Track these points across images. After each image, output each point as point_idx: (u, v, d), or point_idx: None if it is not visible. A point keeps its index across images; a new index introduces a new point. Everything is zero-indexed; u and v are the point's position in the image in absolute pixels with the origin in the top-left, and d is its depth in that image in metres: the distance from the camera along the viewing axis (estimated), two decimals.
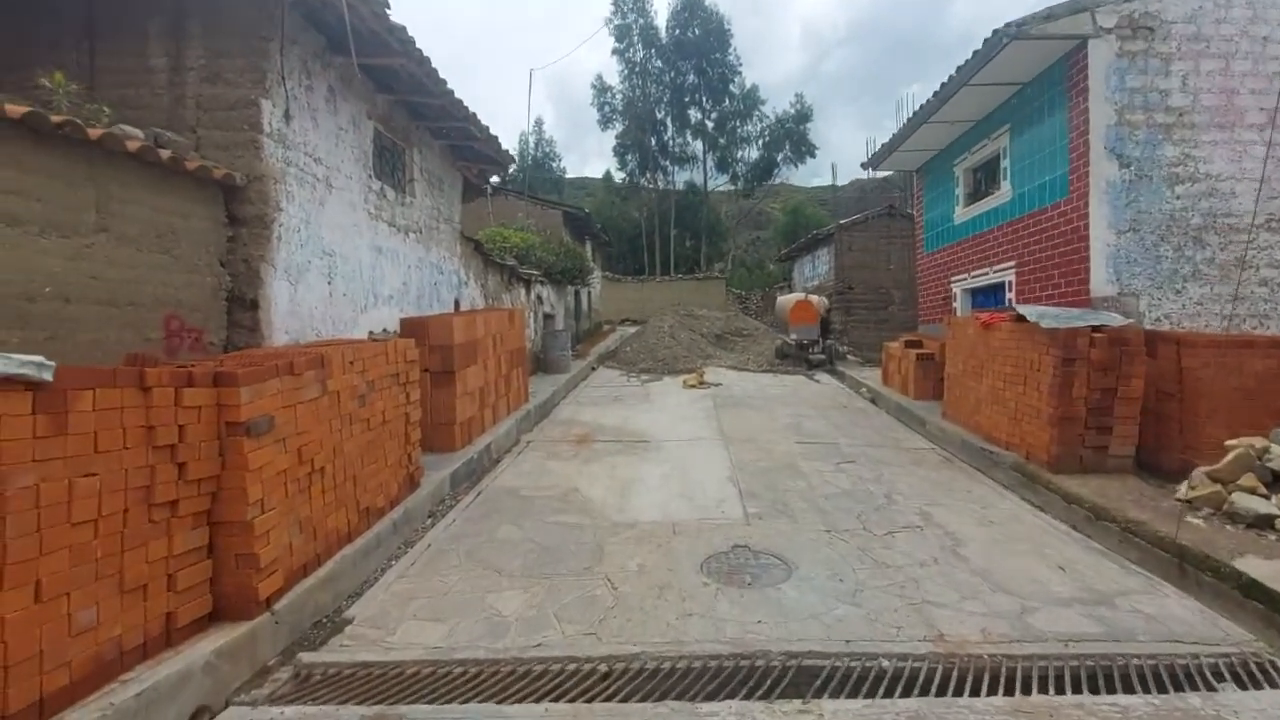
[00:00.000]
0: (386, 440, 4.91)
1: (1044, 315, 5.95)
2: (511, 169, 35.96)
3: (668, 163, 37.86)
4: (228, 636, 3.15)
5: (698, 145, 37.79)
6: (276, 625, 3.43)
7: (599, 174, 46.41)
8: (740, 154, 37.43)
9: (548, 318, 14.49)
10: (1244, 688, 2.93)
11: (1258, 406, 5.55)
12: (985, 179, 9.85)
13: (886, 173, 16.83)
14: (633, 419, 9.11)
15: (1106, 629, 3.43)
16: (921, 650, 3.21)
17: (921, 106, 9.28)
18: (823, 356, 14.38)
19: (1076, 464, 5.74)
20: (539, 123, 46.21)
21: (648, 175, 37.46)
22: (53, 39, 5.02)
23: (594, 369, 14.54)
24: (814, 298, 15.58)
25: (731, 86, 36.35)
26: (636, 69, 35.92)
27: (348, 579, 4.07)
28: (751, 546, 4.53)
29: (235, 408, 3.30)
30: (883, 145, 11.35)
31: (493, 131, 8.35)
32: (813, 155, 36.81)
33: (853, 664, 3.12)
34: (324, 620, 3.71)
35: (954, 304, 10.62)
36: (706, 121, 37.06)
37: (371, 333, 6.37)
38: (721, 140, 37.04)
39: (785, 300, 16.52)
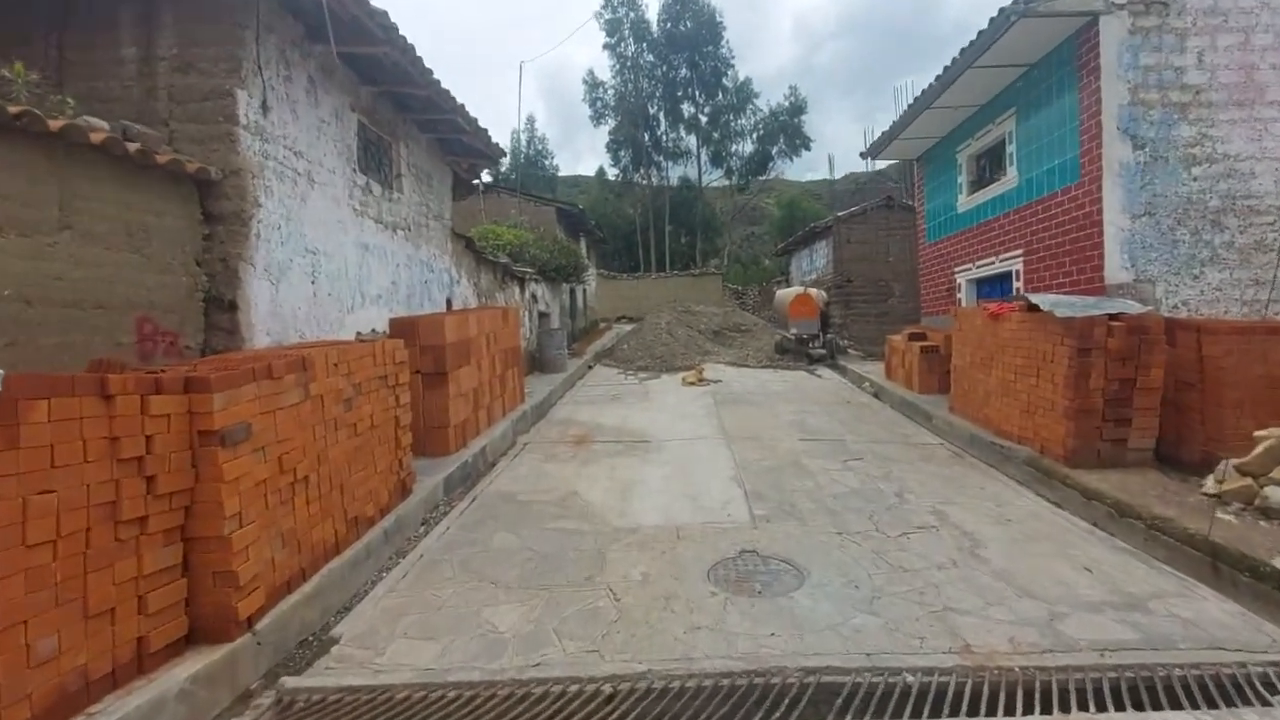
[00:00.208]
0: (375, 445, 4.69)
1: (1058, 304, 5.73)
2: (505, 165, 35.71)
3: (661, 158, 37.60)
4: (205, 660, 2.94)
5: (691, 140, 37.54)
6: (259, 646, 3.21)
7: (592, 172, 46.17)
8: (734, 148, 37.20)
9: (543, 316, 14.26)
10: None
11: None
12: (990, 165, 9.63)
13: (887, 162, 16.60)
14: (632, 418, 8.89)
15: (1143, 636, 3.22)
16: (948, 663, 2.99)
17: (924, 91, 9.05)
18: (823, 351, 14.17)
19: (1094, 458, 5.54)
20: (531, 120, 45.93)
21: (641, 171, 37.17)
22: (21, 31, 4.77)
23: (591, 367, 14.31)
24: (813, 291, 15.37)
25: (724, 80, 36.07)
26: (628, 63, 35.62)
27: (336, 593, 3.85)
28: (760, 551, 4.32)
29: (208, 415, 3.07)
30: (883, 133, 11.11)
31: (484, 128, 8.12)
32: (807, 148, 36.60)
33: (875, 679, 2.90)
34: (310, 639, 3.49)
35: (958, 295, 10.40)
36: (700, 115, 36.79)
37: (359, 334, 6.13)
38: (715, 134, 36.78)
39: (784, 294, 16.30)
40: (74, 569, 2.57)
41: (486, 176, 14.48)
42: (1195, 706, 2.70)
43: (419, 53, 5.93)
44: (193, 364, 3.62)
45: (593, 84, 36.66)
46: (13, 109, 3.30)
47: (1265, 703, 2.70)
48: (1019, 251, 8.38)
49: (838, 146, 78.77)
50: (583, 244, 22.32)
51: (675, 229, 36.85)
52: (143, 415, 2.86)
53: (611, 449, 7.21)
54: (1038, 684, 2.86)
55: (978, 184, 9.86)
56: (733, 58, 36.14)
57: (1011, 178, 8.52)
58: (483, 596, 3.78)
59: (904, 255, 15.83)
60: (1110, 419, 5.53)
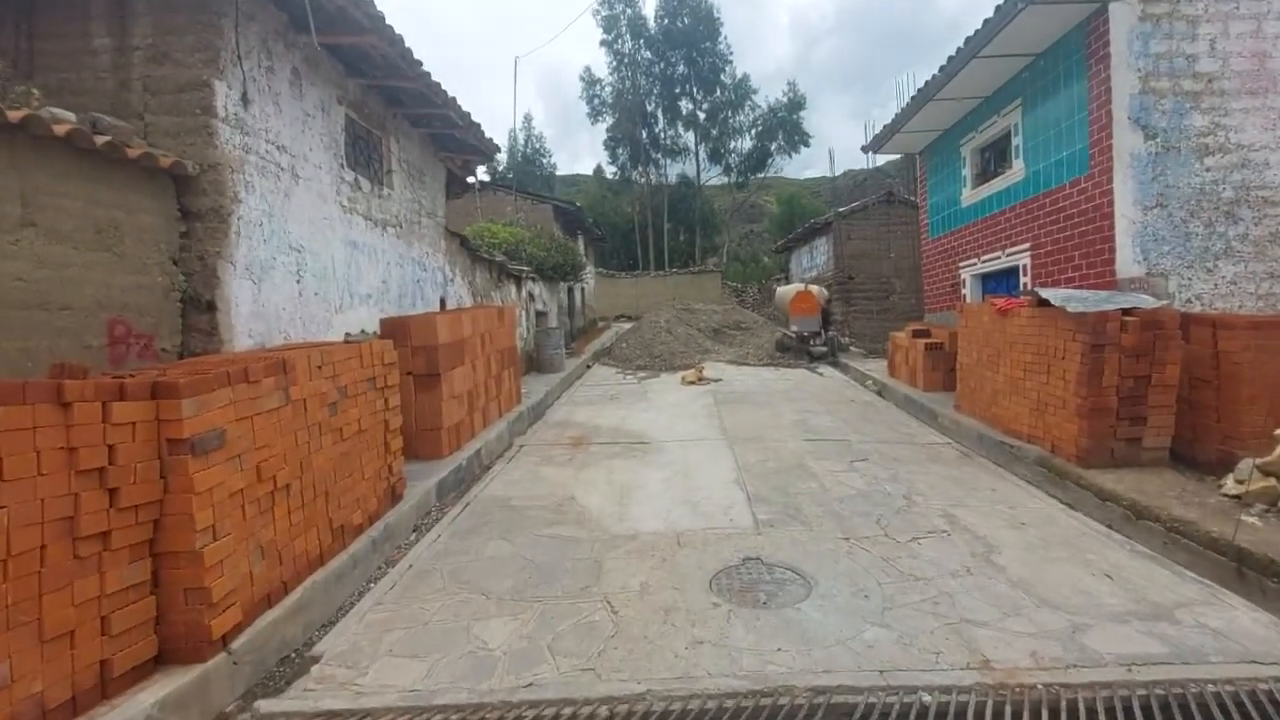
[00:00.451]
0: (363, 451, 4.50)
1: (1070, 299, 5.55)
2: (502, 164, 35.43)
3: (659, 155, 37.39)
4: (175, 684, 2.75)
5: (689, 136, 37.35)
6: (235, 666, 3.02)
7: (590, 171, 45.96)
8: (733, 144, 37.01)
9: (540, 315, 14.06)
10: None
11: None
12: (995, 158, 9.43)
13: (887, 158, 16.39)
14: (630, 419, 8.70)
15: (1172, 649, 3.03)
16: (967, 681, 2.81)
17: (927, 82, 8.85)
18: (825, 348, 13.99)
19: (1107, 457, 5.36)
20: (528, 119, 45.64)
21: (639, 169, 36.97)
22: None
23: (589, 367, 14.13)
24: (814, 288, 15.18)
25: (723, 76, 35.86)
26: (625, 60, 35.43)
27: (320, 607, 3.66)
28: (764, 559, 4.13)
29: (177, 422, 2.88)
30: (884, 127, 10.92)
31: (476, 122, 7.92)
32: (806, 144, 36.41)
33: (890, 699, 2.72)
34: (292, 656, 3.30)
35: (963, 291, 10.21)
36: (698, 112, 36.59)
37: (348, 334, 5.94)
38: (714, 131, 36.56)
39: (785, 291, 16.10)
40: (27, 590, 2.39)
41: (483, 174, 14.28)
42: None
43: (420, 58, 5.74)
44: (163, 368, 3.42)
45: (590, 81, 36.50)
46: None
47: None
48: (1026, 246, 8.19)
49: (835, 144, 78.72)
50: (580, 242, 22.10)
51: (674, 227, 36.66)
52: (104, 423, 2.67)
53: (609, 451, 7.02)
54: (1063, 703, 2.67)
55: (982, 177, 9.67)
56: (730, 53, 36.01)
57: (1018, 170, 8.33)
58: (473, 610, 3.59)
59: (906, 251, 15.63)
60: (1124, 417, 5.35)
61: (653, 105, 36.32)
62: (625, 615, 3.45)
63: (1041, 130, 7.71)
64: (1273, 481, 4.27)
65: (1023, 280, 8.30)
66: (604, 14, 34.65)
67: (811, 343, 14.19)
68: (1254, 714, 2.59)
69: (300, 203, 5.36)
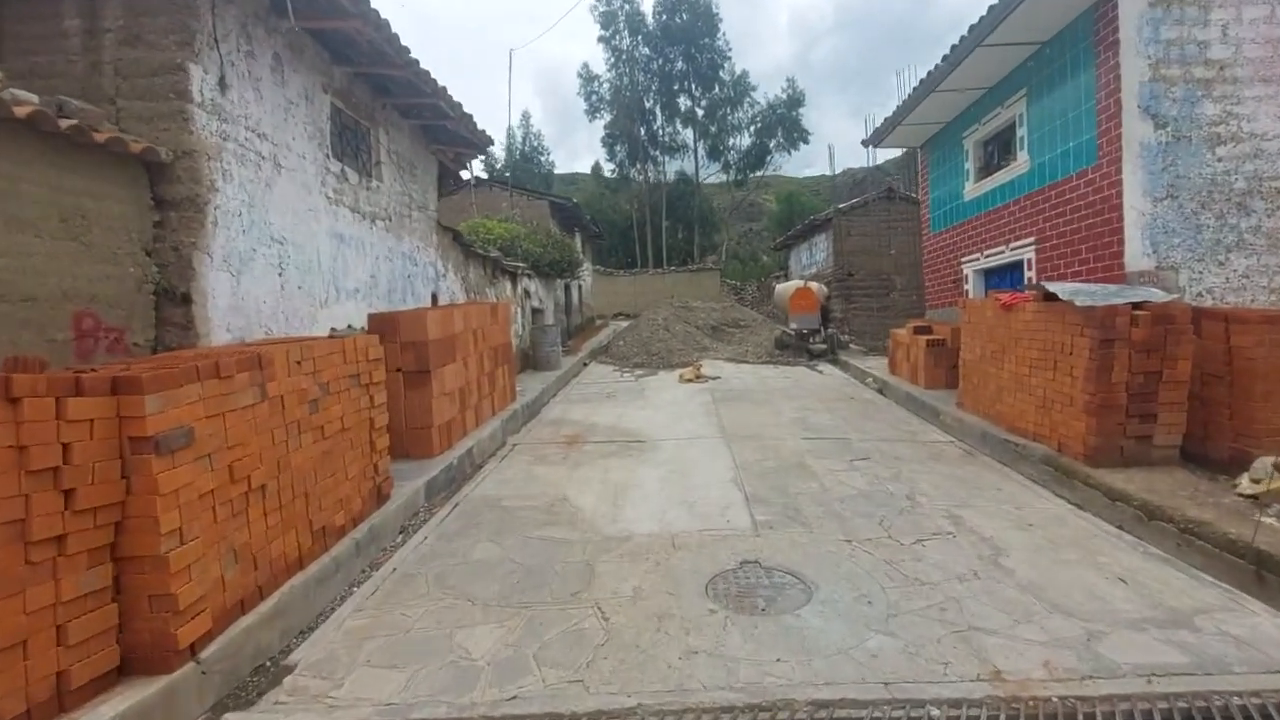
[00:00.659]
0: (346, 450, 4.33)
1: (1078, 292, 5.38)
2: (499, 161, 35.22)
3: (658, 152, 37.15)
4: (138, 695, 2.60)
5: (688, 134, 37.11)
6: (204, 676, 2.86)
7: (588, 169, 45.70)
8: (732, 141, 36.78)
9: (536, 312, 13.88)
10: None
11: None
12: (999, 150, 9.25)
13: (887, 156, 16.25)
14: (627, 417, 8.54)
15: (1193, 658, 2.87)
16: (977, 693, 2.65)
17: (930, 73, 8.67)
18: (824, 346, 13.82)
19: (1117, 456, 5.19)
20: (526, 116, 45.34)
21: (638, 166, 36.75)
22: None
23: (585, 365, 13.96)
24: (814, 285, 15.01)
25: (721, 73, 35.64)
26: (623, 56, 35.19)
27: (299, 613, 3.50)
28: (763, 562, 3.96)
29: (139, 420, 2.72)
30: (885, 119, 10.74)
31: (468, 113, 7.74)
32: (806, 141, 36.20)
33: (895, 713, 2.56)
34: (267, 664, 3.14)
35: (966, 286, 10.04)
36: (696, 109, 36.37)
37: (334, 329, 5.76)
38: (712, 128, 36.34)
39: (784, 288, 15.93)
40: None
41: (479, 170, 14.11)
42: None
43: (409, 47, 5.55)
44: (130, 362, 3.25)
45: (588, 77, 36.28)
46: None
47: None
48: (1031, 239, 8.02)
49: (834, 143, 78.46)
50: (578, 239, 21.92)
51: (672, 224, 36.46)
52: (58, 420, 2.50)
53: (605, 450, 6.85)
54: (1080, 717, 2.51)
55: (986, 170, 9.49)
56: (729, 50, 35.76)
57: (1022, 162, 8.15)
58: (457, 616, 3.42)
59: (906, 247, 15.47)
60: (1134, 414, 5.18)
61: (651, 102, 36.11)
62: (616, 622, 3.29)
63: (1047, 121, 7.54)
64: None
65: (1027, 275, 8.13)
66: (601, 9, 34.46)
67: (811, 340, 14.03)
68: None
69: (283, 193, 5.18)
